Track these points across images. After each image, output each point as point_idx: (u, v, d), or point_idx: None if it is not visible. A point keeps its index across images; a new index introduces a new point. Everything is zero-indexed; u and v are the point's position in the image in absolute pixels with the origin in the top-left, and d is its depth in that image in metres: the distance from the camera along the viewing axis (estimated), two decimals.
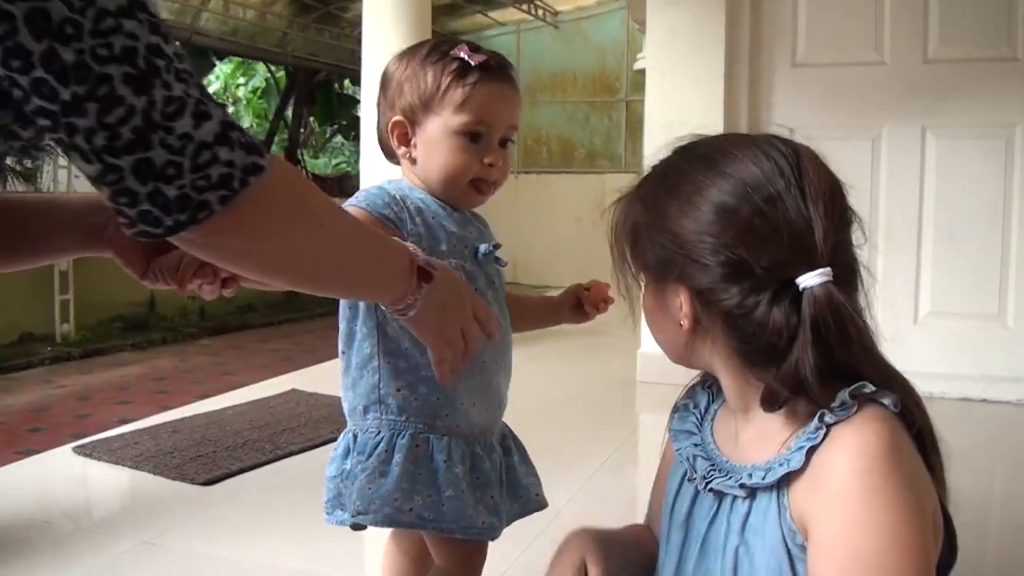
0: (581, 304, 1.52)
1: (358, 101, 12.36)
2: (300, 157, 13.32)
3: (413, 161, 1.36)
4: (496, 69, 1.33)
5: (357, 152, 8.19)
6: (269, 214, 0.83)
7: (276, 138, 13.38)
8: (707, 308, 0.92)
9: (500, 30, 12.25)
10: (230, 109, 19.56)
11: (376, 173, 3.90)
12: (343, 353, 1.35)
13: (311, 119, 13.75)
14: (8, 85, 0.69)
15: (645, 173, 1.02)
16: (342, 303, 1.33)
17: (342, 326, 1.35)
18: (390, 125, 1.36)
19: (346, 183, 12.30)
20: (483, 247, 1.38)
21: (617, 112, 11.51)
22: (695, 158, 0.97)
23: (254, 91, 17.66)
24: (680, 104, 3.69)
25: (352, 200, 1.30)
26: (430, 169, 1.35)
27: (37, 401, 6.20)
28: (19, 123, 0.73)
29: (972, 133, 3.59)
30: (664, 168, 1.00)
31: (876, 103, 3.66)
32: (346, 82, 13.55)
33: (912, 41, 3.61)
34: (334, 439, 1.39)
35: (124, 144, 0.71)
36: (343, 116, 13.60)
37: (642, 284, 1.01)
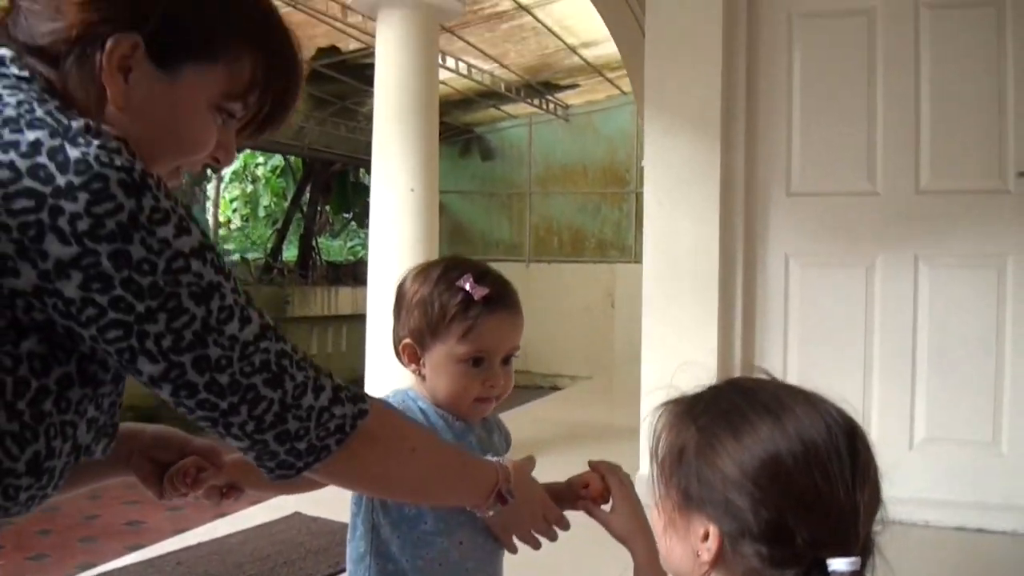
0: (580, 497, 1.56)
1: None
2: (315, 243, 13.50)
3: (423, 378, 1.45)
4: (498, 300, 1.41)
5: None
6: (374, 445, 1.06)
7: (292, 225, 13.59)
8: (733, 552, 0.93)
9: (512, 122, 12.50)
10: (249, 188, 19.89)
11: (383, 260, 4.06)
12: (349, 541, 1.43)
13: (327, 207, 13.97)
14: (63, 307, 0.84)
15: (702, 397, 1.04)
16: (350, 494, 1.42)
17: (350, 515, 1.43)
18: (401, 346, 1.45)
19: (359, 269, 12.44)
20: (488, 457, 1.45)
21: (627, 203, 11.67)
22: (758, 405, 0.98)
23: (273, 170, 17.98)
24: (678, 231, 3.78)
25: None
26: (436, 389, 1.43)
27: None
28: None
29: (964, 262, 3.65)
30: (727, 406, 1.00)
31: (870, 232, 3.74)
32: (360, 172, 13.80)
33: (904, 172, 3.70)
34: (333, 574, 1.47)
35: (268, 424, 0.96)
36: (357, 204, 13.82)
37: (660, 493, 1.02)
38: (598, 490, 1.44)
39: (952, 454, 3.65)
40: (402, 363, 1.47)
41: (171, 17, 0.94)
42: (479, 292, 1.39)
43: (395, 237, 4.13)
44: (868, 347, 3.73)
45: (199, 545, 3.38)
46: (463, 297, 1.39)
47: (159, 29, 0.93)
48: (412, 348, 1.44)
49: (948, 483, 3.62)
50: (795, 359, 3.81)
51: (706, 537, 0.94)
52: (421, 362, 1.44)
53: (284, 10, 7.84)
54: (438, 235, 4.58)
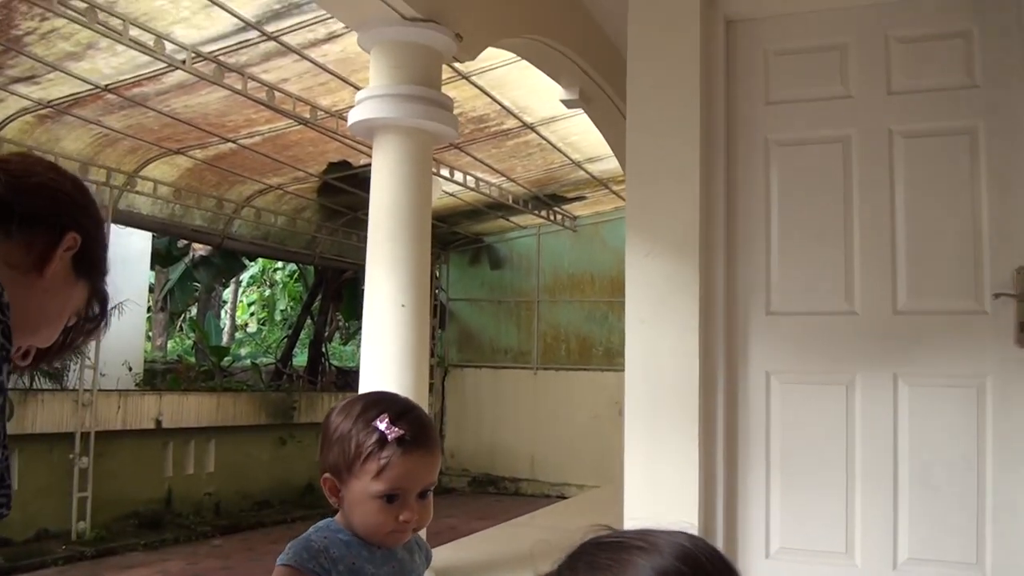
0: None
1: None
2: (325, 349, 13.61)
3: (342, 510, 1.52)
4: (413, 441, 1.48)
5: None
6: None
7: (303, 332, 13.72)
8: None
9: (521, 232, 12.72)
10: (267, 292, 20.17)
11: (374, 372, 4.13)
12: None
13: (337, 313, 14.12)
14: None
15: None
16: None
17: None
18: (322, 479, 1.54)
19: None
20: None
21: None
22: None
23: (290, 275, 18.27)
24: (659, 349, 3.86)
25: (282, 557, 1.47)
26: (353, 522, 1.52)
27: None
28: None
29: (943, 382, 3.67)
30: None
31: (848, 350, 3.79)
32: None
33: (881, 293, 3.76)
34: None
35: None
36: None
37: None
38: None
39: (937, 574, 3.63)
40: (325, 495, 1.55)
41: (92, 238, 1.20)
42: (393, 433, 1.47)
43: (385, 350, 4.23)
44: (850, 464, 3.74)
45: None
46: (378, 437, 1.47)
47: (87, 241, 1.19)
48: (332, 482, 1.52)
49: None
50: (777, 475, 3.83)
51: None
52: (340, 495, 1.52)
53: (296, 127, 8.14)
54: (428, 347, 4.66)
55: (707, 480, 3.80)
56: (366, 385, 4.17)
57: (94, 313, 1.23)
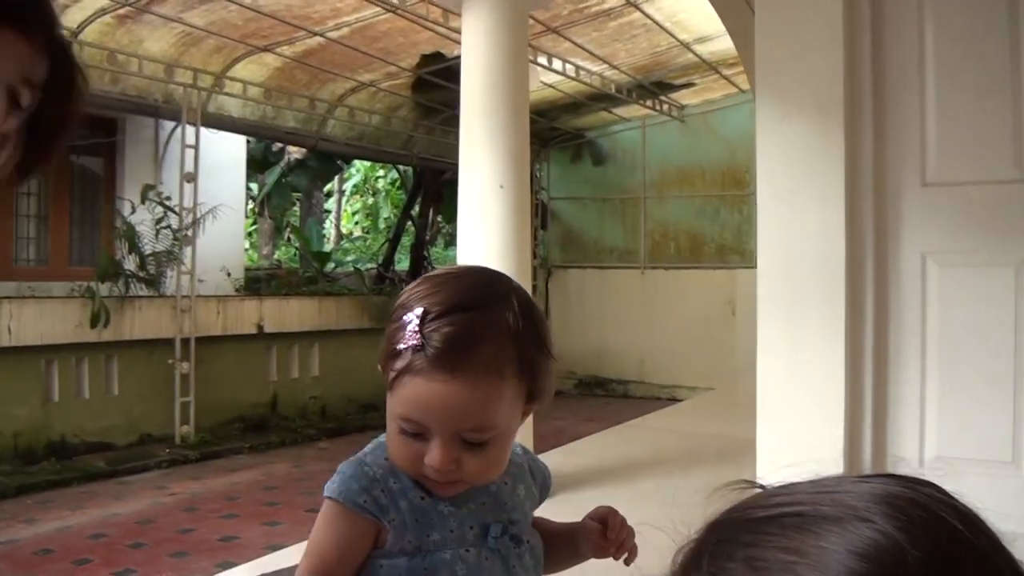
0: (602, 536, 1.21)
1: None
2: (426, 252, 13.40)
3: None
4: (433, 359, 1.03)
5: None
6: None
7: (404, 236, 13.53)
8: None
9: (625, 125, 12.16)
10: (370, 200, 20.12)
11: (472, 258, 3.73)
12: None
13: (438, 216, 13.86)
14: None
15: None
16: None
17: None
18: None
19: None
20: (493, 528, 1.12)
21: (747, 206, 11.16)
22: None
23: (392, 183, 18.13)
24: (797, 229, 3.37)
25: (330, 484, 1.09)
26: (388, 449, 1.11)
27: (145, 511, 6.19)
28: None
29: None
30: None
31: (1019, 225, 3.27)
32: None
33: None
34: None
35: None
36: None
37: None
38: (619, 529, 1.22)
39: None
40: None
41: None
42: (412, 339, 1.03)
43: (483, 238, 3.81)
44: (1019, 359, 3.24)
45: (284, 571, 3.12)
46: (399, 336, 1.04)
47: None
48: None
49: None
50: (934, 373, 3.35)
51: None
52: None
53: (384, 16, 7.71)
54: (530, 237, 4.24)
55: (853, 379, 3.35)
56: None
57: (48, 77, 0.75)
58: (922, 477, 0.59)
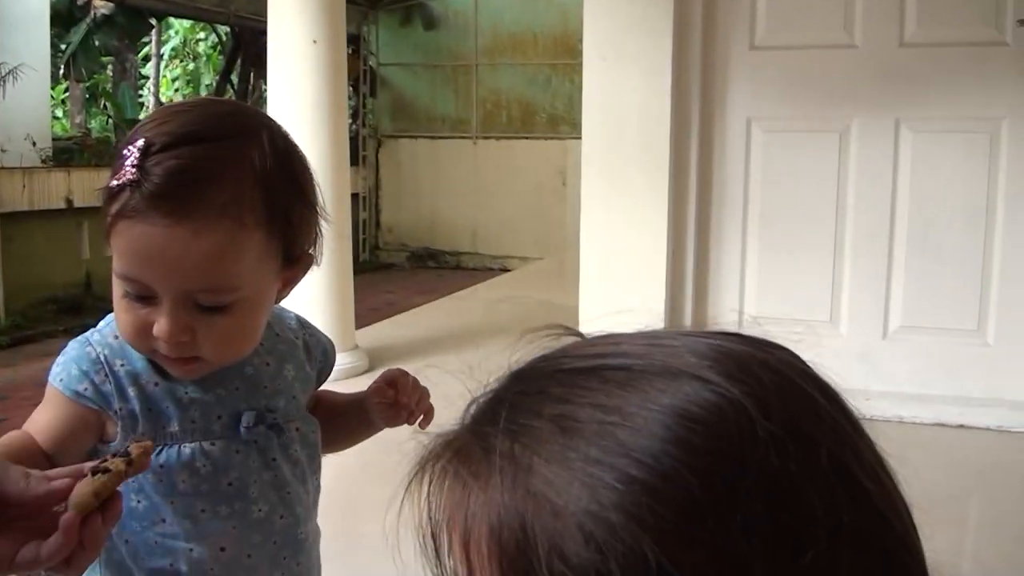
0: (395, 402, 1.06)
1: None
2: None
3: None
4: (150, 197, 0.83)
5: None
6: None
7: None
8: None
9: None
10: (190, 66, 19.03)
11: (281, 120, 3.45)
12: None
13: (261, 81, 13.20)
14: None
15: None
16: None
17: None
18: None
19: None
20: (247, 416, 0.95)
21: (580, 76, 10.87)
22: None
23: (214, 47, 17.16)
24: (623, 92, 3.26)
25: (53, 367, 0.92)
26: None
27: None
28: None
29: (953, 127, 3.22)
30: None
31: (845, 92, 3.28)
32: None
33: (887, 21, 3.21)
34: None
35: None
36: None
37: None
38: (407, 391, 1.07)
39: (931, 343, 3.28)
40: None
41: None
42: (127, 175, 0.83)
43: (295, 102, 3.52)
44: (840, 224, 3.31)
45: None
46: (117, 173, 0.85)
47: None
48: None
49: (926, 375, 3.26)
50: (755, 236, 3.38)
51: None
52: None
53: None
54: (346, 99, 3.98)
55: (676, 242, 3.34)
56: None
57: None
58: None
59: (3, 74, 7.94)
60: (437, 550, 0.47)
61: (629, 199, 3.29)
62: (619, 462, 0.41)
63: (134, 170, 0.83)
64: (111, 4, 10.78)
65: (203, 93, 18.07)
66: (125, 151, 0.84)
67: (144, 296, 0.86)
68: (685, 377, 0.44)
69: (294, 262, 0.94)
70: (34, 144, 9.42)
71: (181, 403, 0.93)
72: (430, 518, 0.47)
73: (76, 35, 11.95)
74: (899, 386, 3.22)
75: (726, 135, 3.36)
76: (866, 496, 0.43)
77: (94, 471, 0.70)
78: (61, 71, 13.15)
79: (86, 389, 0.90)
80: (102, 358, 0.91)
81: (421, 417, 1.05)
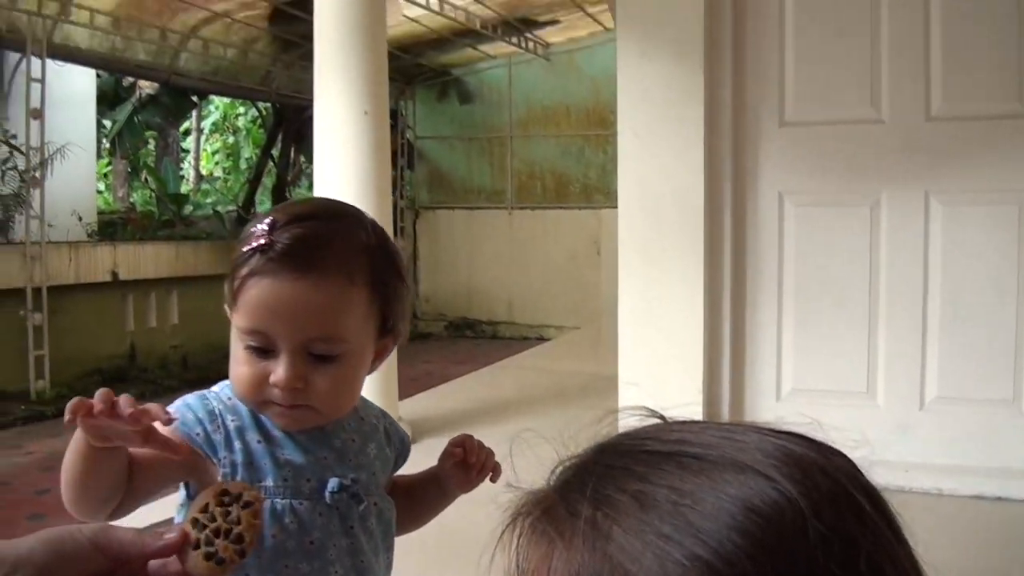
0: (464, 462, 1.17)
1: None
2: (288, 193, 13.05)
3: None
4: (279, 258, 0.98)
5: None
6: None
7: (266, 177, 13.14)
8: None
9: (491, 63, 12.03)
10: (230, 140, 19.43)
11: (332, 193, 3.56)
12: None
13: (301, 156, 13.49)
14: None
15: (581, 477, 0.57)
16: None
17: None
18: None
19: None
20: (331, 483, 1.04)
21: (612, 146, 11.17)
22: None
23: (253, 121, 17.53)
24: (658, 169, 3.35)
25: (172, 407, 1.01)
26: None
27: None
28: None
29: (981, 199, 3.25)
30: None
31: (874, 165, 3.32)
32: None
33: (913, 97, 3.27)
34: None
35: None
36: None
37: None
38: (475, 451, 1.19)
39: (968, 414, 3.26)
40: None
41: None
42: (257, 240, 0.98)
43: (341, 172, 3.63)
44: (873, 296, 3.33)
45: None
46: (244, 247, 1.00)
47: None
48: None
49: (964, 447, 3.24)
50: (791, 309, 3.41)
51: None
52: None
53: None
54: (390, 169, 4.09)
55: (712, 315, 3.38)
56: None
57: None
58: (834, 446, 0.54)
59: (50, 153, 8.19)
60: None
61: (665, 272, 3.36)
62: (687, 541, 0.47)
63: (265, 238, 0.97)
64: (156, 84, 11.12)
65: (243, 166, 18.47)
66: (254, 228, 1.00)
67: (264, 349, 0.99)
68: (752, 472, 0.49)
69: (387, 333, 1.07)
70: (80, 219, 9.68)
71: (278, 462, 1.02)
72: (518, 566, 0.53)
73: (122, 114, 12.32)
74: (937, 458, 3.21)
75: (759, 209, 3.42)
76: None
77: (207, 556, 0.78)
78: (106, 148, 13.53)
79: (199, 434, 1.00)
80: (217, 411, 1.02)
81: (490, 474, 1.16)
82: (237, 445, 1.01)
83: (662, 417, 0.59)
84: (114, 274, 8.92)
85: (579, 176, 11.90)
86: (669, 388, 3.26)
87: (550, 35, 11.36)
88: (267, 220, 1.00)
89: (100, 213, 11.18)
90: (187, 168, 18.73)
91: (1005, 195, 3.23)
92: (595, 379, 5.59)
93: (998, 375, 3.24)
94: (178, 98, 11.90)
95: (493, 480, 1.15)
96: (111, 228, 10.76)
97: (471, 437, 1.18)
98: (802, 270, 3.39)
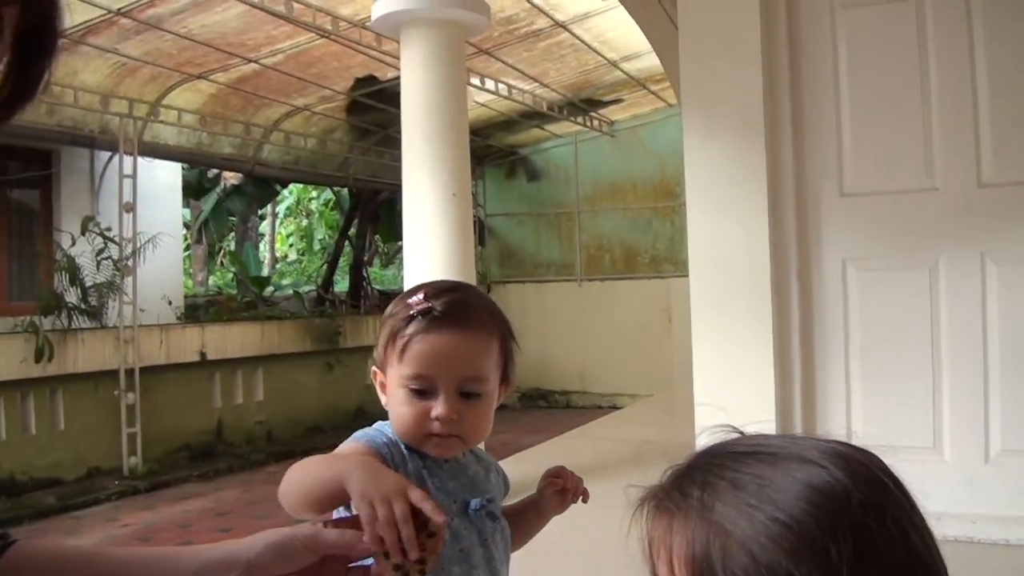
0: (564, 489, 1.45)
1: None
2: (365, 273, 13.46)
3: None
4: (443, 316, 1.27)
5: None
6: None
7: (342, 258, 13.56)
8: None
9: (557, 142, 12.38)
10: (303, 222, 20.03)
11: (421, 273, 3.90)
12: None
13: (376, 236, 13.92)
14: None
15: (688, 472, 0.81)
16: None
17: None
18: (372, 372, 1.36)
19: None
20: (473, 503, 1.30)
21: (679, 216, 11.43)
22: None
23: (326, 204, 18.10)
24: (725, 240, 3.58)
25: (354, 436, 1.29)
26: (392, 421, 1.31)
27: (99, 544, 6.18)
28: None
29: None
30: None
31: (931, 230, 3.50)
32: None
33: (965, 165, 3.45)
34: None
35: None
36: None
37: None
38: (570, 479, 1.46)
39: None
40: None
41: None
42: (419, 306, 1.27)
43: (429, 253, 3.97)
44: (936, 354, 3.47)
45: None
46: (408, 313, 1.28)
47: None
48: (379, 375, 1.34)
49: None
50: (857, 370, 3.57)
51: None
52: (387, 392, 1.33)
53: (319, 42, 7.81)
54: (473, 249, 4.39)
55: (783, 377, 3.55)
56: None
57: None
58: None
59: (142, 244, 8.64)
60: (652, 555, 0.78)
61: (736, 337, 3.55)
62: (768, 508, 0.70)
63: (424, 304, 1.26)
64: (240, 175, 11.64)
65: (316, 247, 19.03)
66: (410, 300, 1.28)
67: (425, 391, 1.25)
68: (811, 463, 0.73)
69: (504, 380, 1.35)
70: (170, 303, 10.11)
71: (435, 486, 1.28)
72: (647, 535, 0.78)
73: (207, 204, 12.87)
74: (1004, 509, 3.30)
75: (823, 275, 3.61)
76: (914, 547, 0.71)
77: (396, 567, 0.99)
78: (194, 237, 14.12)
79: (386, 453, 1.25)
80: (390, 441, 1.28)
81: (582, 496, 1.45)
82: (410, 467, 1.27)
83: (740, 432, 0.83)
84: (202, 354, 9.28)
85: (647, 247, 12.10)
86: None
87: (614, 112, 11.70)
88: (419, 294, 1.29)
89: (185, 296, 11.64)
90: (263, 250, 19.35)
91: None
92: (670, 446, 5.72)
93: None
94: (261, 186, 12.41)
95: (584, 501, 1.44)
96: (196, 311, 11.21)
97: (564, 468, 1.46)
98: (867, 332, 3.56)
